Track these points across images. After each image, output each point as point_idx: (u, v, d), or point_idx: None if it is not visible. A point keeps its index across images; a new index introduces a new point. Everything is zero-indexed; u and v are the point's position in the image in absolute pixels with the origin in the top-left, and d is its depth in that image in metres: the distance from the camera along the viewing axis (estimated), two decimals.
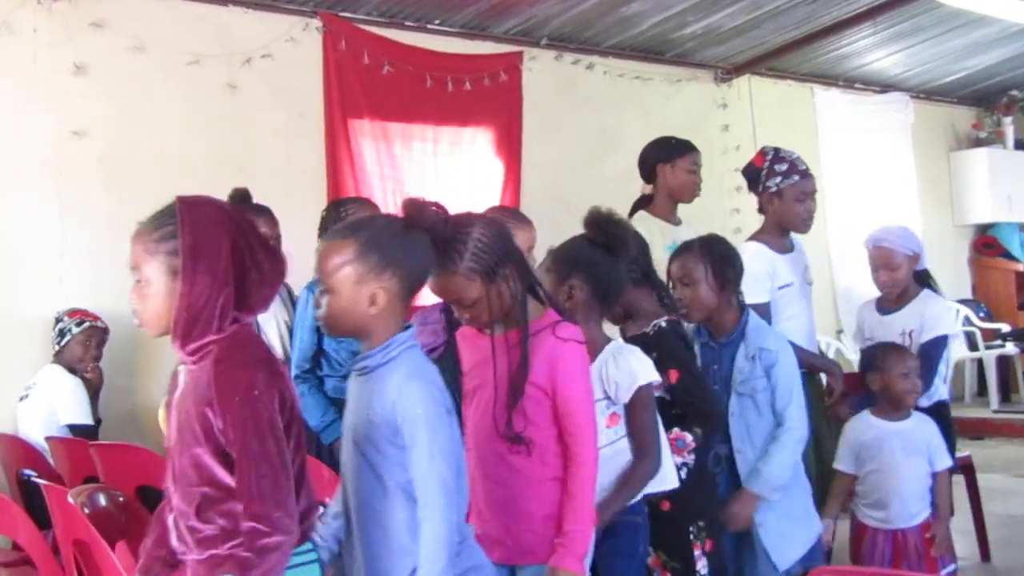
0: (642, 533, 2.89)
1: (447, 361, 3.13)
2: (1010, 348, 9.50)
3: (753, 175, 4.32)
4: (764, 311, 4.17)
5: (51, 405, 4.73)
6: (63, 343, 4.84)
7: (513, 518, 2.61)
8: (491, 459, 2.63)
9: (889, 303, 4.20)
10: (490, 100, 6.93)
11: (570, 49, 7.44)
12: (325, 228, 4.30)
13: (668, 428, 3.09)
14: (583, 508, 2.55)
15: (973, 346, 9.64)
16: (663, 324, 3.20)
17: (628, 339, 3.19)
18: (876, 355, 3.90)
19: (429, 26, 6.76)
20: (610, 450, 2.81)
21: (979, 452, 6.33)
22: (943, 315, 4.17)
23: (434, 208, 2.41)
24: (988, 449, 7.81)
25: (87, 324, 4.85)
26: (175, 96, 5.72)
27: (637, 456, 2.87)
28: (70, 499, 3.00)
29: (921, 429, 3.84)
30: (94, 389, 4.95)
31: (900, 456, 3.79)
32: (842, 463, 3.88)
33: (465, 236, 2.48)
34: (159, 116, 5.66)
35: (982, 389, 9.73)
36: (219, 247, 2.13)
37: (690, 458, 3.16)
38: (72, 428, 4.70)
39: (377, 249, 2.25)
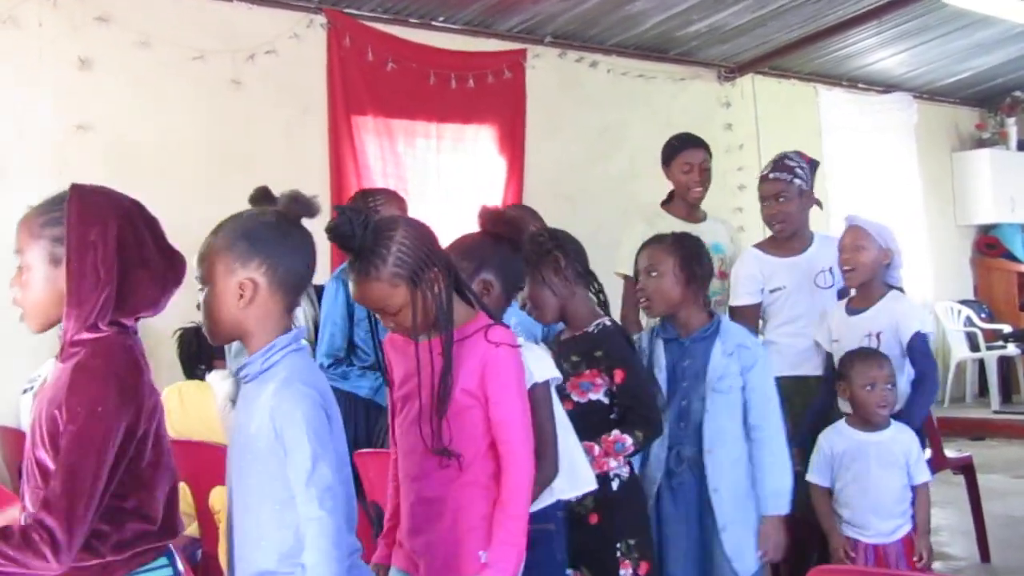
0: (556, 540, 2.72)
1: None
2: (1011, 349, 9.50)
3: None
4: (751, 313, 4.25)
5: None
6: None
7: (441, 535, 2.48)
8: (420, 473, 2.51)
9: (856, 303, 3.93)
10: (493, 97, 6.93)
11: (574, 47, 7.45)
12: None
13: (607, 430, 2.99)
14: (516, 522, 2.41)
15: (974, 347, 9.64)
16: (607, 323, 3.10)
17: (567, 340, 3.11)
18: (844, 362, 3.70)
19: (433, 23, 6.77)
20: None
21: (980, 453, 6.34)
22: (914, 312, 3.90)
23: (353, 212, 2.35)
24: (989, 450, 7.82)
25: None
26: (179, 91, 5.73)
27: (537, 463, 2.63)
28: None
29: (899, 441, 3.62)
30: None
31: (876, 469, 3.58)
32: (816, 475, 3.66)
33: (388, 240, 2.37)
34: (163, 111, 5.67)
35: (983, 390, 9.75)
36: (103, 240, 2.07)
37: (624, 470, 3.04)
38: None
39: (245, 237, 2.17)
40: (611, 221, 7.56)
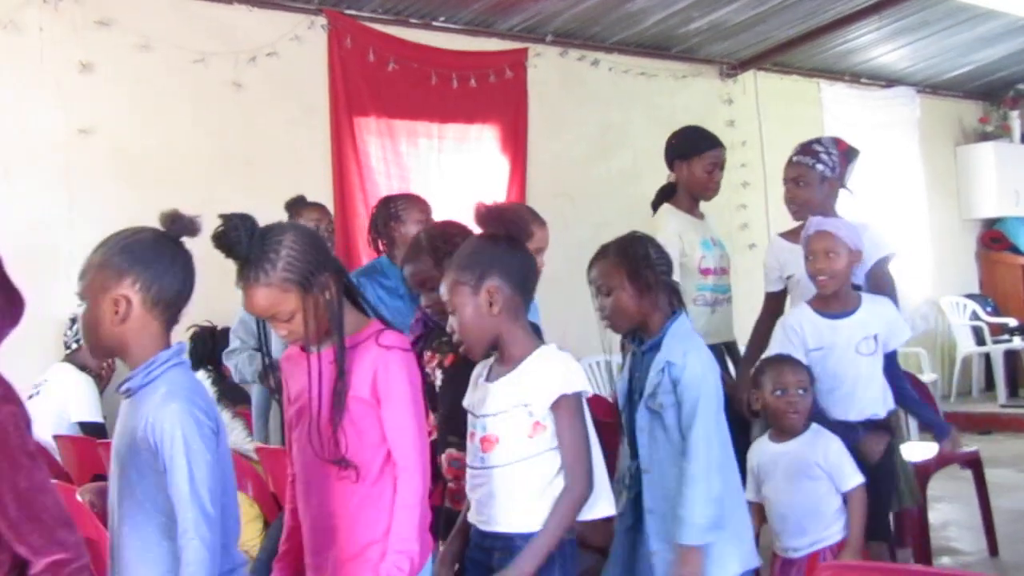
0: (560, 565, 2.54)
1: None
2: (1017, 342, 9.50)
3: None
4: (774, 300, 4.28)
5: (62, 402, 4.75)
6: (82, 342, 4.87)
7: (340, 547, 2.43)
8: (316, 486, 2.47)
9: (833, 306, 3.70)
10: (495, 97, 6.93)
11: (575, 45, 7.44)
12: (375, 225, 4.35)
13: None
14: (408, 528, 2.35)
15: (980, 341, 9.63)
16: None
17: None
18: (756, 369, 3.53)
19: (434, 23, 6.76)
20: (526, 465, 2.55)
21: (987, 447, 6.32)
22: (902, 321, 3.76)
23: (240, 218, 2.33)
24: (996, 444, 7.81)
25: None
26: (181, 94, 5.73)
27: (566, 481, 2.55)
28: (78, 497, 3.01)
29: (812, 450, 3.41)
30: (103, 387, 4.96)
31: (783, 481, 3.43)
32: (747, 491, 3.45)
33: (276, 245, 2.35)
34: (165, 114, 5.67)
35: (989, 384, 9.72)
36: None
37: None
38: (83, 425, 4.72)
39: (120, 254, 2.17)
40: (614, 219, 7.54)
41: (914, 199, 9.76)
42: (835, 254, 3.62)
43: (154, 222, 2.27)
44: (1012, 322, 9.73)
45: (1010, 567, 5.04)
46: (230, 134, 5.89)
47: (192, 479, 2.06)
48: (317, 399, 2.41)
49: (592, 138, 7.54)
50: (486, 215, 2.69)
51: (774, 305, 4.25)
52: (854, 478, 3.38)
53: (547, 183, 7.00)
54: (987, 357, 9.71)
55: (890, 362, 3.73)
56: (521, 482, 2.56)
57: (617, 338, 3.30)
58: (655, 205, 4.85)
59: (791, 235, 4.20)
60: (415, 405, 2.43)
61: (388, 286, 4.25)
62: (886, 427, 3.68)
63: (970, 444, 5.71)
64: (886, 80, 9.58)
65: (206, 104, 5.82)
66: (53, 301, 5.18)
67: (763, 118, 8.47)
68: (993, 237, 10.47)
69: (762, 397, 3.48)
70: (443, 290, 2.66)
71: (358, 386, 2.40)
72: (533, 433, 2.56)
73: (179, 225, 2.23)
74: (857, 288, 3.79)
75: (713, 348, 4.08)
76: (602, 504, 2.73)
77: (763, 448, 3.54)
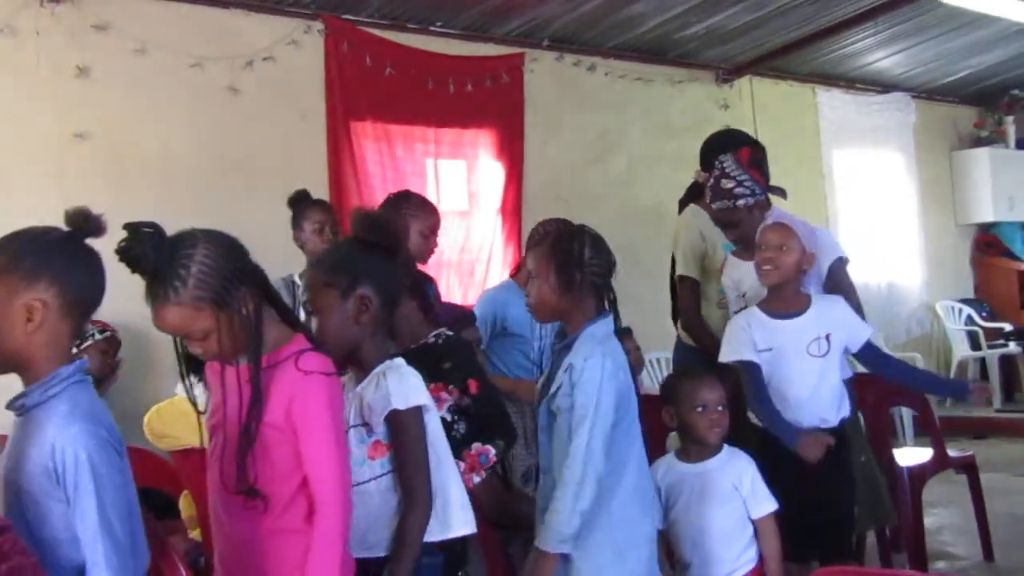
0: (440, 571, 2.50)
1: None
2: (1013, 347, 9.51)
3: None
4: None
5: None
6: (82, 347, 4.86)
7: None
8: (227, 516, 2.30)
9: (781, 307, 3.59)
10: (492, 102, 6.93)
11: (572, 50, 7.45)
12: None
13: (467, 444, 2.81)
14: (327, 569, 2.20)
15: (976, 345, 9.65)
16: (449, 333, 2.91)
17: (407, 352, 2.83)
18: (669, 386, 3.35)
19: (431, 28, 6.77)
20: (375, 485, 2.46)
21: (982, 451, 6.32)
22: (853, 315, 3.64)
23: (145, 229, 2.13)
24: (991, 448, 7.81)
25: (108, 333, 4.84)
26: (178, 99, 5.73)
27: (405, 502, 2.43)
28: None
29: (728, 471, 3.25)
30: (103, 391, 4.96)
31: (695, 504, 3.26)
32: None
33: (187, 259, 2.16)
34: (162, 118, 5.67)
35: None
36: None
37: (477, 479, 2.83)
38: None
39: (31, 253, 1.98)
40: (611, 224, 7.54)
41: (909, 204, 9.78)
42: (787, 248, 3.53)
43: None
44: (1007, 327, 9.73)
45: (1005, 571, 5.04)
46: (226, 139, 5.89)
47: (102, 507, 1.91)
48: (234, 419, 2.24)
49: (589, 143, 7.55)
50: (365, 222, 2.59)
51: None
52: (767, 505, 3.23)
53: (543, 188, 7.01)
54: (982, 362, 9.72)
55: (874, 356, 3.66)
56: (377, 505, 2.46)
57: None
58: (682, 204, 4.81)
59: (743, 254, 4.02)
60: (336, 435, 2.26)
61: None
62: (839, 435, 3.52)
63: (965, 448, 5.73)
64: (882, 86, 9.60)
65: (202, 109, 5.81)
66: None
67: (759, 123, 8.48)
68: (988, 242, 10.49)
69: (677, 414, 3.29)
70: (306, 288, 2.59)
71: (273, 411, 2.23)
72: (374, 454, 2.46)
73: (91, 225, 2.06)
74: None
75: None
76: (457, 523, 2.54)
77: (671, 468, 3.35)
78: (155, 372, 5.24)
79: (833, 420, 3.54)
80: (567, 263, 2.91)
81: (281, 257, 5.31)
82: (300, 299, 4.47)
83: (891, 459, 4.84)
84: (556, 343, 3.04)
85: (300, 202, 4.68)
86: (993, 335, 9.67)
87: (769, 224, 3.64)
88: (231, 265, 2.21)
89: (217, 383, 2.33)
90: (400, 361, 2.53)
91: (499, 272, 6.83)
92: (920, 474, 4.93)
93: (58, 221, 2.18)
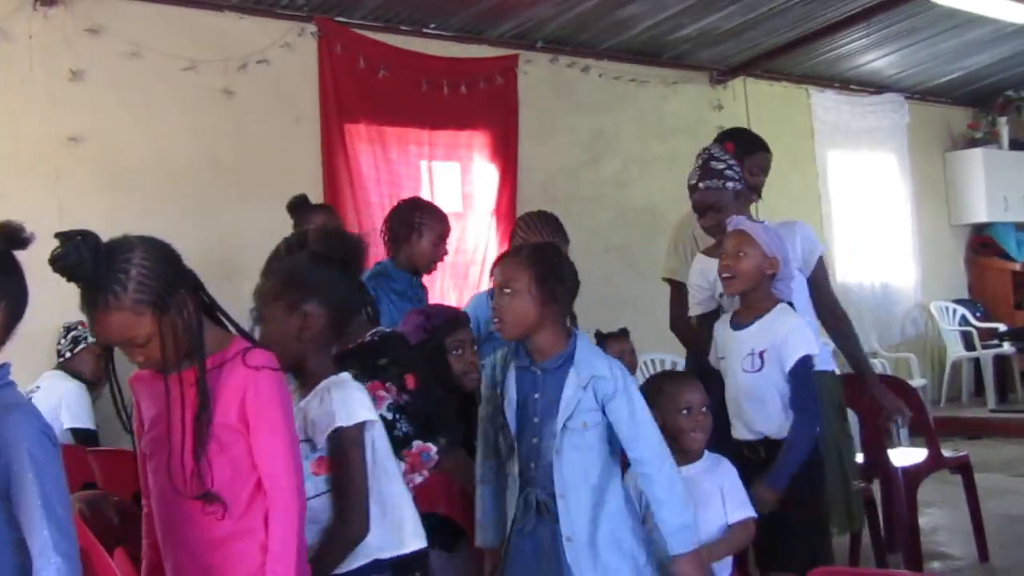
0: None
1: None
2: (1007, 348, 9.52)
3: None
4: (707, 325, 3.83)
5: (53, 409, 4.73)
6: (76, 351, 4.86)
7: None
8: (180, 523, 2.24)
9: (742, 315, 3.53)
10: (486, 103, 6.93)
11: (566, 52, 7.45)
12: (392, 226, 4.37)
13: (407, 443, 2.73)
14: (284, 565, 2.17)
15: (970, 346, 9.66)
16: (386, 330, 2.85)
17: (342, 354, 2.78)
18: (652, 387, 3.24)
19: (424, 30, 6.77)
20: (319, 502, 2.42)
21: (977, 452, 6.34)
22: (800, 331, 3.43)
23: (80, 237, 2.08)
24: (986, 449, 7.82)
25: None
26: (171, 101, 5.72)
27: (337, 518, 2.40)
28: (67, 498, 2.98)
29: (711, 476, 3.20)
30: (97, 395, 4.95)
31: None
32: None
33: (125, 264, 2.11)
34: (155, 121, 5.66)
35: (979, 389, 9.75)
36: None
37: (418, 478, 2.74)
38: (74, 432, 4.70)
39: None
40: (605, 225, 7.59)
41: (903, 205, 9.79)
42: (744, 254, 3.44)
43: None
44: (1001, 327, 9.75)
45: (1000, 572, 5.04)
46: (221, 142, 5.89)
47: (47, 499, 1.89)
48: (179, 429, 2.19)
49: (583, 144, 7.56)
50: (323, 237, 2.58)
51: (708, 331, 3.77)
52: (744, 510, 3.17)
53: (537, 190, 7.00)
54: (977, 362, 9.73)
55: (793, 384, 3.39)
56: (326, 521, 2.42)
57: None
58: None
59: (715, 251, 3.84)
60: (287, 429, 2.24)
61: (397, 290, 4.25)
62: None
63: (960, 449, 5.74)
64: (875, 86, 9.61)
65: (196, 112, 5.81)
66: (43, 310, 5.18)
67: (753, 124, 8.46)
68: (982, 242, 10.50)
69: (659, 416, 3.10)
70: (255, 295, 2.56)
71: (223, 412, 2.19)
72: (318, 470, 2.42)
73: (21, 238, 2.02)
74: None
75: None
76: (410, 538, 2.51)
77: None
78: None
79: (778, 433, 3.40)
80: (548, 275, 2.83)
81: None
82: None
83: (886, 459, 4.85)
84: (525, 363, 2.88)
85: (299, 207, 4.62)
86: (987, 335, 9.69)
87: (728, 231, 3.54)
88: (169, 267, 2.19)
89: (150, 395, 2.27)
90: (346, 376, 2.50)
91: None
92: (915, 474, 4.93)
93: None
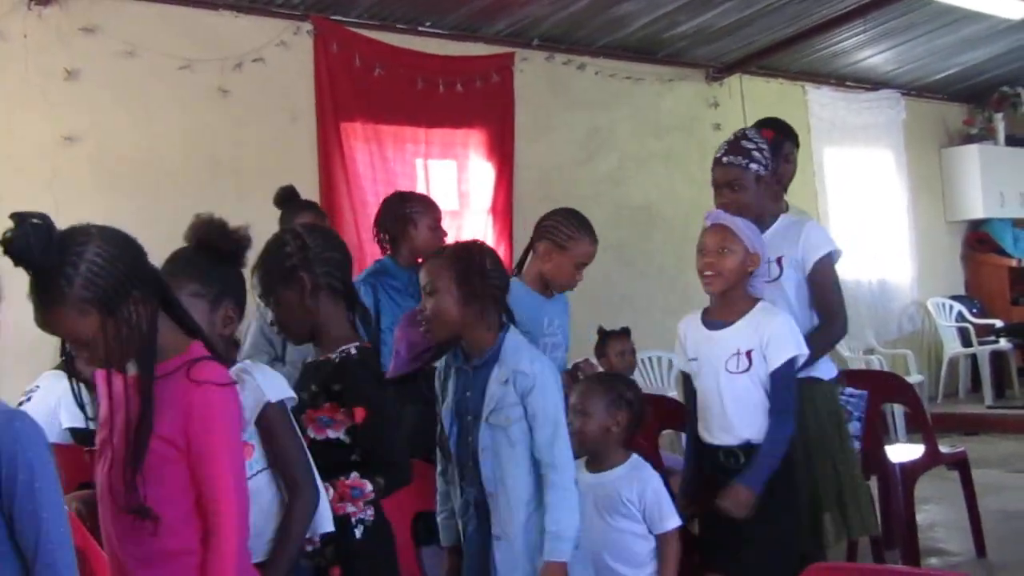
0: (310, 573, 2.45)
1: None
2: (1003, 344, 9.53)
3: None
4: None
5: (52, 408, 4.72)
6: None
7: None
8: (118, 537, 2.15)
9: (718, 315, 3.38)
10: (482, 101, 6.93)
11: (561, 50, 7.45)
12: (383, 223, 4.32)
13: (346, 473, 2.61)
14: None
15: (967, 342, 9.67)
16: (352, 351, 2.69)
17: (310, 364, 2.78)
18: (578, 389, 3.22)
19: (420, 28, 6.76)
20: (253, 482, 2.33)
21: (974, 448, 6.35)
22: (788, 331, 3.30)
23: (34, 221, 1.94)
24: (983, 445, 7.84)
25: None
26: (167, 100, 5.72)
27: (289, 492, 2.36)
28: (65, 505, 2.99)
29: (627, 484, 3.12)
30: (96, 395, 4.94)
31: (593, 516, 3.11)
32: None
33: (76, 257, 1.98)
34: (151, 120, 5.66)
35: (976, 385, 9.76)
36: None
37: (368, 512, 2.65)
38: (73, 432, 4.69)
39: None
40: (601, 223, 7.54)
41: (900, 201, 9.80)
42: (728, 251, 3.29)
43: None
44: (998, 323, 9.77)
45: (997, 567, 5.05)
46: (216, 140, 5.88)
47: (53, 505, 1.87)
48: (121, 434, 2.10)
49: (579, 142, 7.55)
50: (208, 227, 2.52)
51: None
52: (670, 520, 3.11)
53: (534, 187, 7.00)
54: (973, 358, 9.75)
55: (775, 384, 3.27)
56: (265, 502, 2.36)
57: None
58: None
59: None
60: (230, 451, 2.12)
61: (397, 287, 4.22)
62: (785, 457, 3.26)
63: (957, 445, 5.75)
64: (871, 83, 9.62)
65: (192, 110, 5.80)
66: None
67: (749, 121, 8.40)
68: (978, 239, 10.51)
69: (592, 421, 3.18)
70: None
71: (165, 425, 2.06)
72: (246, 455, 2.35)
73: None
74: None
75: None
76: (322, 520, 2.46)
77: (579, 476, 3.14)
78: None
79: (761, 438, 3.26)
80: (469, 273, 2.84)
81: None
82: None
83: (883, 456, 4.85)
84: (460, 363, 2.93)
85: (288, 202, 4.54)
86: (984, 332, 9.70)
87: (707, 226, 3.38)
88: (124, 266, 2.03)
89: (105, 391, 2.15)
90: (249, 362, 2.44)
91: None
92: (912, 471, 4.94)
93: None
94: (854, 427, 4.11)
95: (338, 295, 2.77)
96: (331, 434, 2.64)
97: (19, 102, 5.31)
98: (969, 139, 10.42)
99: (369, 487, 2.63)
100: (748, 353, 3.27)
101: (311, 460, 2.42)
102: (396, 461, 2.71)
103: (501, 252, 6.85)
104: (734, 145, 3.77)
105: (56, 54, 5.38)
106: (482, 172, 6.96)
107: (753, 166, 3.68)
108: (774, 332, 3.27)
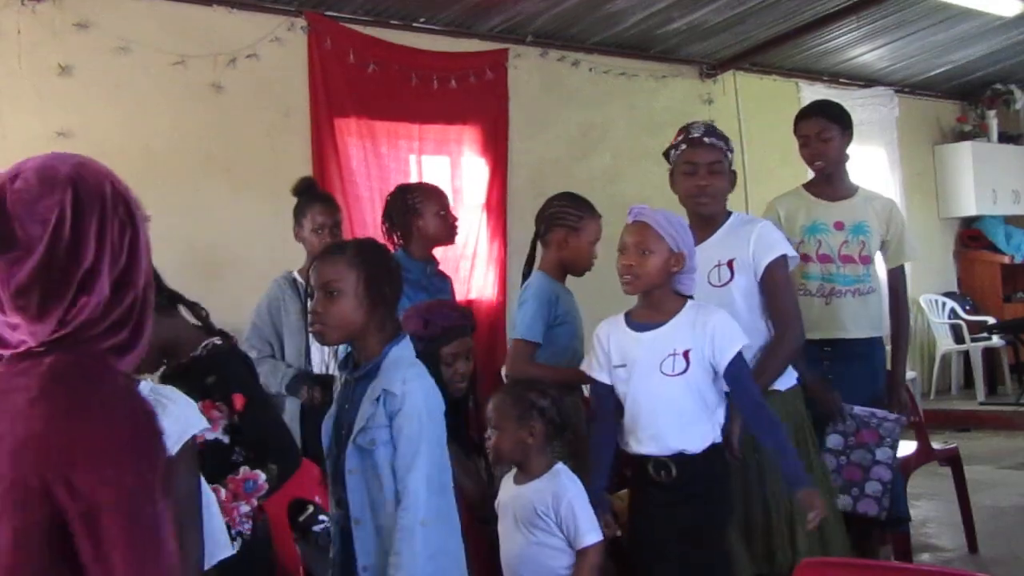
0: None
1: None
2: (996, 341, 9.56)
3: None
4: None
5: None
6: None
7: None
8: None
9: (645, 316, 3.13)
10: (476, 98, 6.92)
11: (555, 46, 7.45)
12: (390, 216, 4.29)
13: (235, 468, 2.46)
14: None
15: (959, 339, 9.69)
16: (218, 342, 2.55)
17: (169, 375, 2.45)
18: (491, 403, 3.09)
19: (414, 24, 6.76)
20: None
21: (966, 444, 6.37)
22: (730, 323, 3.09)
23: None
24: (975, 441, 7.87)
25: None
26: (160, 96, 5.71)
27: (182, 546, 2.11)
28: None
29: (542, 496, 2.99)
30: None
31: (511, 527, 3.03)
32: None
33: None
34: (144, 116, 5.65)
35: (968, 381, 9.79)
36: None
37: (246, 526, 2.47)
38: None
39: None
40: None
41: (893, 198, 9.76)
42: (649, 252, 3.03)
43: None
44: (990, 320, 9.80)
45: (989, 563, 5.06)
46: (210, 136, 5.87)
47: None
48: None
49: (572, 138, 7.56)
50: None
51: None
52: (589, 535, 2.94)
53: (528, 184, 7.00)
54: (966, 355, 9.78)
55: (734, 378, 3.04)
56: None
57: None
58: None
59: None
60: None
61: (410, 279, 4.21)
62: (710, 467, 3.07)
63: (949, 441, 5.76)
64: (865, 80, 9.62)
65: (186, 106, 5.80)
66: None
67: (743, 118, 8.51)
68: (971, 236, 10.54)
69: (507, 434, 3.07)
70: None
71: None
72: None
73: None
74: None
75: (812, 343, 3.85)
76: (217, 548, 2.13)
77: (505, 488, 3.13)
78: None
79: (696, 448, 3.04)
80: (379, 277, 2.63)
81: (267, 255, 5.32)
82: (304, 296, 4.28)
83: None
84: (349, 372, 2.71)
85: (304, 194, 4.49)
86: (976, 328, 9.73)
87: (628, 223, 3.12)
88: None
89: None
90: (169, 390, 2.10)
91: (484, 268, 6.84)
92: (904, 467, 4.94)
93: None
94: (884, 453, 3.95)
95: (170, 305, 2.56)
96: (209, 436, 2.43)
97: (11, 97, 5.29)
98: (962, 136, 10.44)
99: (262, 477, 2.48)
100: (686, 353, 3.02)
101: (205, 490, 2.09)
102: (284, 446, 2.60)
103: (495, 248, 6.86)
104: (711, 129, 3.68)
105: (49, 50, 5.37)
106: (476, 168, 6.96)
107: (729, 154, 3.65)
108: (716, 326, 3.03)
